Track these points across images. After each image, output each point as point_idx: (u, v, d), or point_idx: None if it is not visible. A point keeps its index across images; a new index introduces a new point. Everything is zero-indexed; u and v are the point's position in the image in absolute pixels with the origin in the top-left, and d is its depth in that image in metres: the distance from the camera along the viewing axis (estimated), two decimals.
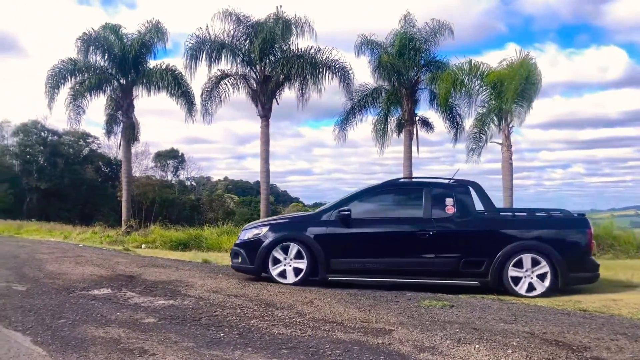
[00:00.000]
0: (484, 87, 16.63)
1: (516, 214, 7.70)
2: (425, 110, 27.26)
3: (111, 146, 70.90)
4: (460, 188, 7.47)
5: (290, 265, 7.35)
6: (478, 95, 17.46)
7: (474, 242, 7.22)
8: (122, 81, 24.21)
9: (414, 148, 23.39)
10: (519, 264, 6.94)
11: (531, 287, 6.92)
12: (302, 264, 7.29)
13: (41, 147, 64.79)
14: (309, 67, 22.15)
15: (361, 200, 7.71)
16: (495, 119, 16.83)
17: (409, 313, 5.55)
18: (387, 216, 7.65)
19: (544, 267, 6.88)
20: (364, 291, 6.81)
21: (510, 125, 16.83)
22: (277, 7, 22.39)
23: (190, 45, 21.60)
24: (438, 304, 6.06)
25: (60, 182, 66.57)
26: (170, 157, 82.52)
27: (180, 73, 23.88)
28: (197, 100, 23.80)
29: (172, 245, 18.09)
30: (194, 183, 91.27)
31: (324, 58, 22.54)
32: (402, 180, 8.23)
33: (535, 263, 6.93)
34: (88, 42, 23.07)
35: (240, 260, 7.67)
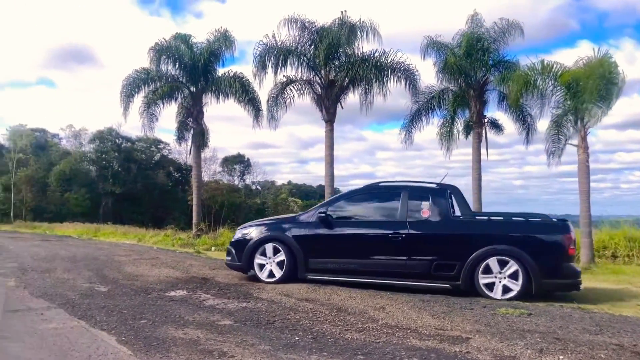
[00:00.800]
0: (558, 87, 15.96)
1: (492, 218, 7.53)
2: (493, 112, 26.52)
3: (181, 152, 73.32)
4: (437, 192, 7.49)
5: (272, 265, 7.64)
6: (552, 96, 16.78)
7: (446, 246, 7.22)
8: (192, 89, 24.99)
9: (482, 150, 22.83)
10: (490, 268, 6.85)
11: (502, 291, 6.79)
12: (283, 263, 7.58)
13: (116, 154, 67.89)
14: (373, 71, 22.04)
15: (342, 202, 7.98)
16: (572, 120, 16.11)
17: (485, 321, 5.37)
18: (363, 218, 7.83)
19: (516, 271, 6.73)
20: (436, 297, 6.66)
21: (587, 127, 16.07)
22: (341, 12, 22.49)
23: (258, 52, 22.03)
24: (515, 312, 5.84)
25: (134, 187, 69.47)
26: (237, 162, 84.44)
27: (248, 80, 24.40)
28: (263, 106, 24.32)
29: None
30: (259, 187, 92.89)
31: (389, 61, 22.37)
32: (382, 183, 8.18)
33: (506, 267, 6.79)
34: (160, 51, 23.99)
35: (230, 258, 8.08)
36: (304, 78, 23.36)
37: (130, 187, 68.74)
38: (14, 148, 61.95)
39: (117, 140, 68.15)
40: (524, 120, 22.17)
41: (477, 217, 7.65)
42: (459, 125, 23.41)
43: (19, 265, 9.34)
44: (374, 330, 4.85)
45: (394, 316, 5.47)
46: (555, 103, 17.15)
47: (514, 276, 6.74)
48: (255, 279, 7.67)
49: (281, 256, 7.60)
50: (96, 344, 4.02)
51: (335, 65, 23.16)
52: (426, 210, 7.29)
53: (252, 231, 8.04)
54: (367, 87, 23.17)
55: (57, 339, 4.10)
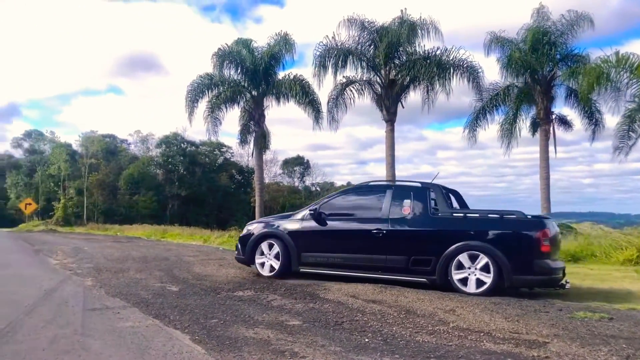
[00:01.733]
0: (635, 80, 15.15)
1: (468, 215, 7.61)
2: (559, 108, 25.47)
3: (243, 155, 74.77)
4: (418, 190, 7.77)
5: (270, 259, 8.26)
6: (627, 89, 15.95)
7: (423, 242, 7.48)
8: (254, 93, 25.43)
9: (550, 148, 22.01)
10: (463, 263, 7.01)
11: (474, 285, 6.90)
12: (279, 257, 8.17)
13: (181, 157, 70.07)
14: (435, 69, 21.69)
15: (334, 200, 8.39)
16: None
17: (562, 325, 5.12)
18: (351, 216, 8.18)
19: (487, 267, 6.84)
20: (508, 300, 6.42)
21: None
22: (401, 10, 22.27)
23: (318, 53, 22.15)
24: (594, 315, 5.55)
25: (198, 189, 71.45)
26: (297, 164, 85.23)
27: (308, 82, 24.59)
28: (323, 107, 24.41)
29: None
30: (318, 188, 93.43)
31: (451, 58, 21.97)
32: (372, 182, 8.65)
33: (478, 262, 6.92)
34: (223, 57, 24.56)
35: (237, 253, 8.84)
36: (364, 78, 23.34)
37: (195, 189, 70.79)
38: (86, 153, 65.08)
39: (182, 145, 70.34)
40: (592, 116, 21.26)
41: (454, 215, 7.65)
42: (522, 122, 22.73)
43: (94, 266, 9.74)
44: (445, 333, 4.72)
45: (465, 319, 5.31)
46: (630, 96, 16.32)
47: (485, 271, 6.87)
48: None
49: (276, 250, 8.21)
50: (171, 343, 4.11)
51: (395, 65, 22.99)
52: (407, 207, 7.60)
53: (255, 227, 8.77)
54: (429, 85, 22.85)
55: (134, 337, 4.22)
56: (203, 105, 24.56)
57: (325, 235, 8.11)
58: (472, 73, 21.73)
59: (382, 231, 7.55)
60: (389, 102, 23.09)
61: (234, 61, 24.77)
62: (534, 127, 22.61)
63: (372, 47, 22.61)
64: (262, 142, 26.09)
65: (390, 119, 23.17)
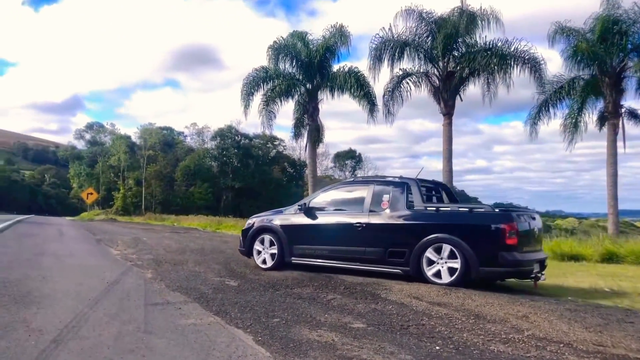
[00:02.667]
0: None
1: (440, 209, 7.75)
2: (629, 101, 24.08)
3: (295, 148, 75.26)
4: (396, 185, 8.07)
5: (267, 251, 8.77)
6: None
7: (398, 234, 7.82)
8: (308, 86, 25.33)
9: (619, 143, 20.92)
10: (433, 255, 7.26)
11: (443, 276, 7.14)
12: (274, 250, 8.68)
13: (235, 150, 71.13)
14: (496, 60, 20.98)
15: (323, 195, 8.87)
16: None
17: None
18: (336, 210, 8.59)
19: (456, 259, 7.07)
20: (585, 307, 6.01)
21: None
22: (461, 0, 21.57)
23: (374, 46, 21.83)
24: None
25: (252, 182, 72.39)
26: (348, 158, 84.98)
27: (363, 75, 24.29)
28: (378, 100, 24.07)
29: None
30: None
31: (512, 50, 21.18)
32: (357, 178, 8.98)
33: (447, 255, 7.15)
34: (278, 50, 24.57)
35: (239, 245, 9.44)
36: (421, 70, 22.82)
37: (248, 181, 71.77)
38: (145, 145, 66.97)
39: (236, 137, 71.39)
40: None
41: (427, 209, 7.79)
42: (587, 116, 21.68)
43: (154, 257, 9.85)
44: (521, 343, 4.40)
45: (541, 327, 4.96)
46: None
47: (454, 263, 7.09)
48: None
49: (272, 244, 8.74)
50: (235, 344, 3.99)
51: (454, 56, 22.36)
52: (385, 202, 7.94)
53: (254, 221, 9.29)
54: (488, 78, 22.15)
55: (197, 336, 4.12)
56: (258, 98, 24.69)
57: (314, 229, 8.52)
58: (534, 65, 20.88)
59: (362, 224, 7.94)
60: (446, 95, 22.50)
61: (289, 54, 24.75)
62: (601, 121, 21.54)
63: (429, 38, 22.07)
64: (316, 135, 26.00)
65: (448, 112, 22.59)
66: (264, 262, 8.74)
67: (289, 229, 8.68)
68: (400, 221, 7.81)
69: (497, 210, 7.41)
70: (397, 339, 4.39)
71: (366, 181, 8.75)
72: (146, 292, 6.05)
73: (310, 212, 8.59)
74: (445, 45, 21.62)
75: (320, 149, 57.11)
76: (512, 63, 21.19)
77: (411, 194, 7.87)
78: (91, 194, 45.31)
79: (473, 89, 22.90)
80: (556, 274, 10.16)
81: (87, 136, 73.66)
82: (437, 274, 7.19)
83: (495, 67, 21.21)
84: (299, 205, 8.79)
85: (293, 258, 8.53)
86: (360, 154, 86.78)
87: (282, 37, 24.75)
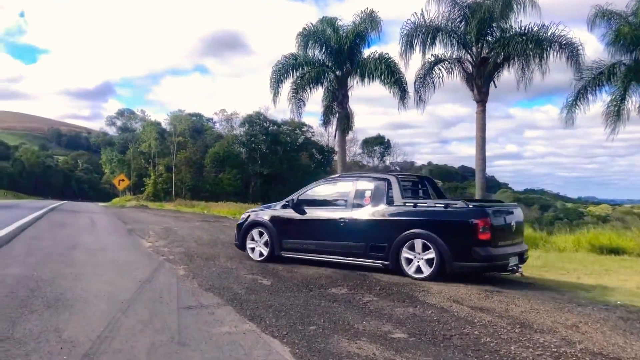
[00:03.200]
0: None
1: (417, 204, 7.90)
2: None
3: (323, 134, 74.99)
4: (379, 181, 8.29)
5: (259, 245, 9.04)
6: None
7: (379, 229, 8.02)
8: (338, 73, 24.97)
9: None
10: (410, 250, 7.50)
11: (419, 270, 7.39)
12: (265, 246, 8.96)
13: (264, 136, 71.21)
14: (531, 46, 20.31)
15: (309, 191, 9.05)
16: None
17: None
18: (323, 205, 8.82)
19: (431, 254, 7.28)
20: (637, 314, 5.68)
21: None
22: None
23: (405, 31, 21.33)
24: None
25: (280, 168, 72.51)
26: (377, 144, 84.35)
27: (394, 61, 23.81)
28: (409, 87, 23.61)
29: None
30: (397, 168, 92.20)
31: (549, 34, 20.46)
32: (343, 175, 9.56)
33: (424, 249, 7.38)
34: (307, 36, 24.23)
35: (235, 239, 9.64)
36: (454, 56, 22.24)
37: (276, 168, 71.91)
38: (174, 132, 67.58)
39: (264, 124, 71.45)
40: None
41: (406, 204, 7.91)
42: (630, 103, 20.83)
43: (186, 251, 9.80)
44: (574, 358, 4.12)
45: (594, 339, 4.66)
46: None
47: (429, 258, 7.32)
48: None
49: (264, 237, 8.99)
50: (272, 357, 3.81)
51: (488, 42, 21.70)
52: (367, 198, 8.18)
53: (247, 216, 9.56)
54: (524, 63, 21.47)
55: (232, 348, 3.95)
56: (287, 85, 24.46)
57: (301, 224, 8.83)
58: (571, 51, 20.10)
59: (345, 220, 8.20)
60: (480, 81, 21.91)
61: (318, 41, 24.39)
62: None
63: (463, 23, 21.43)
64: (345, 123, 25.67)
65: (482, 99, 22.00)
66: (260, 254, 9.00)
67: (278, 223, 8.99)
68: (380, 217, 8.02)
69: (471, 206, 7.45)
70: (441, 353, 4.16)
71: (351, 177, 9.02)
72: (179, 293, 5.93)
73: (298, 207, 8.87)
74: (479, 31, 21.00)
75: (349, 135, 56.78)
76: (549, 48, 20.47)
77: (391, 189, 8.03)
78: (123, 180, 45.96)
79: (507, 74, 22.23)
80: (597, 271, 9.78)
81: (118, 123, 74.66)
82: (415, 269, 7.45)
83: (531, 52, 20.55)
84: (286, 201, 9.09)
85: (283, 252, 8.82)
86: (389, 140, 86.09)
87: (312, 24, 24.40)
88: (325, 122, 26.83)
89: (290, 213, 8.93)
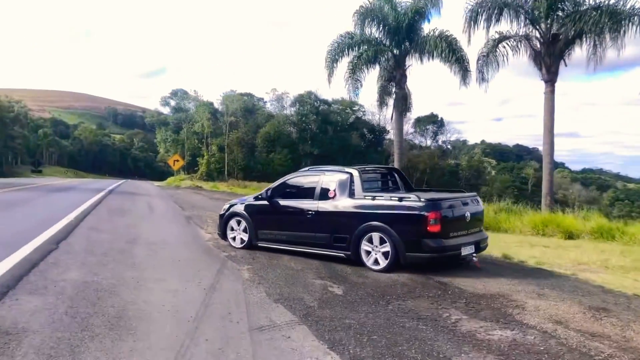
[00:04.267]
0: None
1: (376, 197, 8.04)
2: None
3: (374, 113, 73.75)
4: (343, 174, 8.45)
5: (239, 235, 9.48)
6: None
7: (341, 222, 8.23)
8: (395, 52, 24.04)
9: None
10: (369, 241, 7.81)
11: (376, 262, 7.71)
12: (245, 234, 9.38)
13: (314, 116, 70.67)
14: (607, 20, 18.77)
15: (283, 183, 9.33)
16: None
17: None
18: (294, 197, 9.02)
19: (386, 246, 7.61)
20: None
21: None
22: None
23: (469, 7, 20.18)
24: None
25: (330, 148, 71.94)
26: (430, 122, 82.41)
27: (455, 38, 22.73)
28: (471, 65, 22.51)
29: None
30: (449, 146, 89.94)
31: (628, 7, 18.85)
32: (312, 168, 9.69)
33: (379, 241, 7.70)
34: (364, 14, 23.35)
35: (217, 228, 10.17)
36: (520, 33, 20.96)
37: (327, 147, 71.38)
38: (227, 112, 67.91)
39: (315, 103, 70.85)
40: None
41: (365, 197, 8.08)
42: None
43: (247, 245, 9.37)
44: None
45: None
46: None
47: (384, 249, 7.63)
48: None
49: (242, 227, 9.42)
50: None
51: (558, 17, 20.27)
52: (332, 191, 8.40)
53: (227, 207, 9.92)
54: (596, 39, 19.95)
55: None
56: (342, 65, 23.77)
57: (274, 215, 9.16)
58: None
59: (312, 212, 8.47)
60: (549, 59, 20.54)
61: (376, 18, 23.49)
62: None
63: None
64: (403, 104, 24.77)
65: (551, 79, 20.66)
66: (241, 241, 9.43)
67: (254, 214, 9.35)
68: (342, 209, 8.23)
69: (422, 199, 7.54)
70: None
71: (319, 170, 9.11)
72: (247, 306, 5.42)
73: (271, 199, 9.17)
74: (549, 5, 19.63)
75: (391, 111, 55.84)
76: (628, 22, 18.90)
77: (353, 183, 8.23)
78: (177, 160, 46.49)
79: (580, 52, 20.74)
80: None
81: (172, 103, 75.63)
82: (372, 260, 7.75)
83: (606, 27, 19.03)
84: (259, 194, 9.51)
85: (259, 242, 9.21)
86: (442, 119, 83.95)
87: (369, 1, 23.45)
88: (381, 104, 26.01)
89: (264, 204, 9.26)
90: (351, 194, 8.18)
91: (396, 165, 25.13)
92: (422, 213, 7.38)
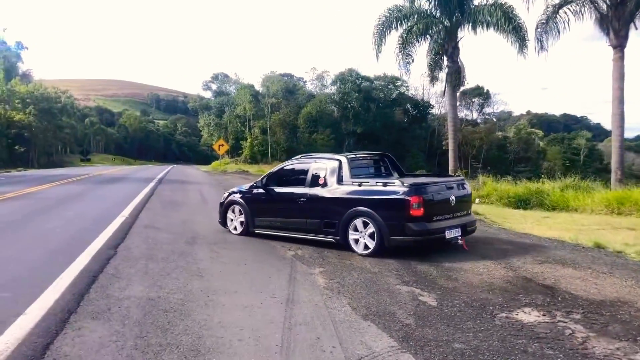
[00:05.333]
0: None
1: (362, 183, 8.10)
2: None
3: (418, 88, 71.95)
4: (332, 161, 8.58)
5: (237, 222, 9.76)
6: None
7: (330, 207, 8.33)
8: (447, 23, 22.81)
9: None
10: (356, 227, 7.91)
11: (363, 246, 7.84)
12: (243, 221, 9.65)
13: (356, 94, 69.43)
14: None
15: (278, 171, 9.61)
16: None
17: None
18: (288, 185, 9.21)
19: (372, 230, 7.71)
20: None
21: None
22: None
23: None
24: None
25: (373, 126, 70.72)
26: (476, 95, 79.87)
27: (511, 6, 21.39)
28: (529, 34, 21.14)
29: (509, 201, 16.27)
30: (494, 118, 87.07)
31: None
32: (305, 155, 9.92)
33: (365, 226, 7.81)
34: None
35: (219, 216, 10.35)
36: None
37: (370, 125, 70.23)
38: (268, 93, 67.47)
39: (357, 81, 69.55)
40: None
41: (353, 183, 8.18)
42: None
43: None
44: None
45: None
46: None
47: (370, 234, 7.76)
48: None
49: (240, 214, 9.72)
50: None
51: None
52: (322, 178, 8.51)
53: (226, 195, 10.27)
54: None
55: None
56: (388, 40, 22.78)
57: (269, 203, 9.35)
58: None
59: (303, 198, 8.64)
60: (618, 23, 18.96)
61: None
62: None
63: None
64: (456, 79, 23.58)
65: (619, 44, 19.08)
66: (240, 228, 9.70)
67: (250, 202, 9.59)
68: (331, 195, 8.32)
69: (405, 184, 7.61)
70: None
71: (310, 157, 9.31)
72: (335, 327, 4.70)
73: (266, 186, 9.40)
74: None
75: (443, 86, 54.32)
76: None
77: (342, 170, 8.35)
78: (222, 145, 46.41)
79: None
80: None
81: (213, 87, 75.68)
82: (359, 244, 7.89)
83: None
84: (255, 183, 9.79)
85: (255, 229, 9.45)
86: (488, 91, 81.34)
87: None
88: (432, 79, 24.81)
89: (260, 192, 9.47)
90: (339, 181, 8.32)
91: (450, 143, 24.09)
92: (404, 197, 7.49)
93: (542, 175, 21.47)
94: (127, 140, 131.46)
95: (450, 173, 22.88)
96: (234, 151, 68.20)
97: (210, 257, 7.64)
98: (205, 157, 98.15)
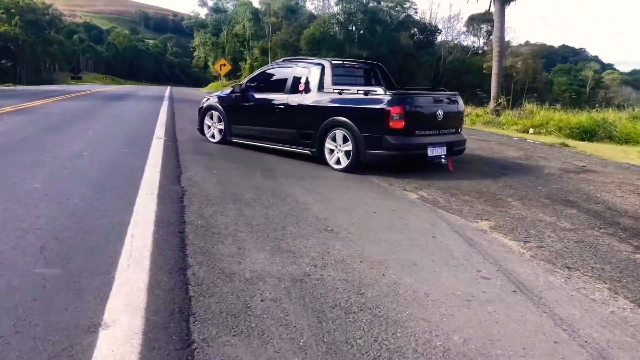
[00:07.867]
0: None
1: (343, 91, 7.46)
2: None
3: (425, 12, 68.08)
4: (314, 66, 7.91)
5: (215, 129, 9.32)
6: None
7: (307, 117, 7.78)
8: None
9: None
10: (333, 138, 7.41)
11: (338, 160, 7.37)
12: (221, 129, 9.19)
13: (362, 15, 65.59)
14: None
15: (257, 76, 8.92)
16: None
17: None
18: (267, 91, 8.54)
19: (348, 142, 7.19)
20: None
21: None
22: None
23: None
24: None
25: (379, 50, 67.46)
26: (484, 21, 76.19)
27: None
28: None
29: (572, 132, 14.36)
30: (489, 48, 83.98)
31: None
32: (286, 59, 8.94)
33: (342, 139, 7.30)
34: None
35: (197, 124, 9.80)
36: None
37: (375, 49, 66.86)
38: (268, 12, 63.48)
39: (363, 0, 65.44)
40: None
41: (333, 90, 7.53)
42: None
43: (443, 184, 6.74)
44: None
45: None
46: None
47: (347, 146, 7.21)
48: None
49: (220, 122, 9.16)
50: None
51: None
52: (302, 84, 7.89)
53: (205, 100, 9.70)
54: None
55: None
56: None
57: (247, 110, 8.75)
58: None
59: (281, 106, 8.02)
60: None
61: None
62: None
63: None
64: None
65: None
66: (218, 136, 9.25)
67: (228, 109, 9.00)
68: (310, 103, 7.73)
69: (387, 93, 6.98)
70: None
71: (293, 61, 8.52)
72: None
73: (244, 93, 8.75)
74: None
75: (452, 11, 51.01)
76: None
77: (324, 75, 7.73)
78: (224, 65, 43.44)
79: None
80: None
81: (210, 3, 71.10)
82: (334, 157, 7.39)
83: None
84: (233, 87, 9.18)
85: (233, 138, 8.96)
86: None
87: None
88: None
89: (238, 97, 8.85)
90: (320, 88, 7.71)
91: (495, 67, 21.79)
92: (385, 107, 6.87)
93: (597, 105, 19.76)
94: (117, 59, 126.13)
95: (492, 100, 20.85)
96: (232, 73, 64.95)
97: (315, 200, 5.56)
98: (197, 80, 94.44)
